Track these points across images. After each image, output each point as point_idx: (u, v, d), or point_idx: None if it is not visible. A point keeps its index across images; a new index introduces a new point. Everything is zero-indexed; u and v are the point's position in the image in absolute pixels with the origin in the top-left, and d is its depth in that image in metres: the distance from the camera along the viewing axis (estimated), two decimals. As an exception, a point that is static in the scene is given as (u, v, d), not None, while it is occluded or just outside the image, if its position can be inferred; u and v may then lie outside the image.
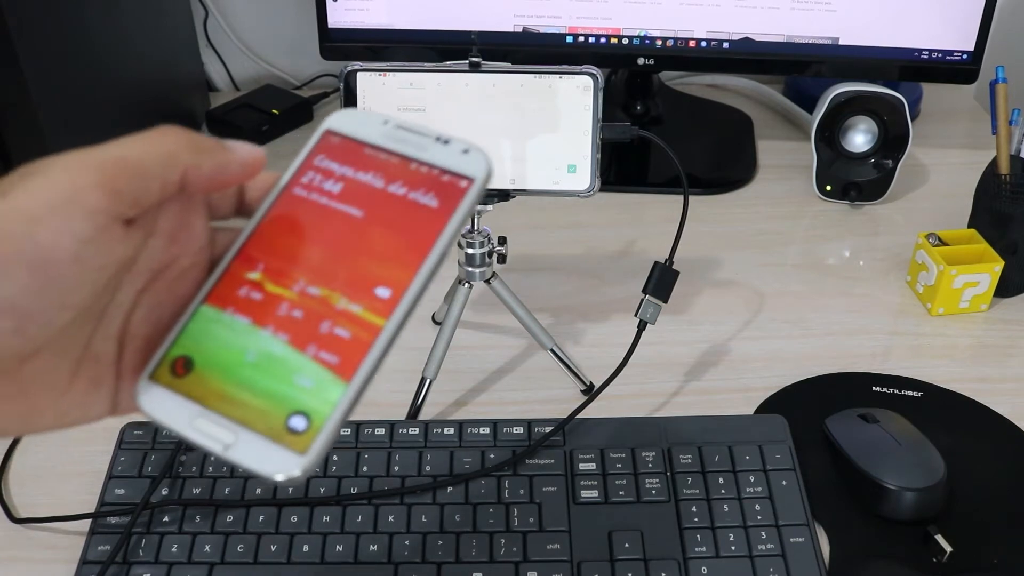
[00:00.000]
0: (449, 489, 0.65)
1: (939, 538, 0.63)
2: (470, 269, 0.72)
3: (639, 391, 0.76)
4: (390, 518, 0.64)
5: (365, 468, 0.67)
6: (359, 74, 0.66)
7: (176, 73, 1.10)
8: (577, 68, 0.65)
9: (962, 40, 0.95)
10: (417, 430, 0.69)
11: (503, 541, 0.62)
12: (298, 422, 0.33)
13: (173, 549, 0.62)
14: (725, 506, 0.64)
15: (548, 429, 0.69)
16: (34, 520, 0.66)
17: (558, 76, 0.65)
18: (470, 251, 0.71)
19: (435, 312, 0.83)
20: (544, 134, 0.67)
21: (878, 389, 0.76)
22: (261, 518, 0.64)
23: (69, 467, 0.70)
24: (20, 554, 0.64)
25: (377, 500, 0.65)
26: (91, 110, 0.88)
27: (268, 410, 0.34)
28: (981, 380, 0.78)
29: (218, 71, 1.22)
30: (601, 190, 0.68)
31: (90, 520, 0.64)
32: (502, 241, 0.72)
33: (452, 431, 0.69)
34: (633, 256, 0.92)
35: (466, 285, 0.72)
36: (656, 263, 0.70)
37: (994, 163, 0.85)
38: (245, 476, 0.66)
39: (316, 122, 1.13)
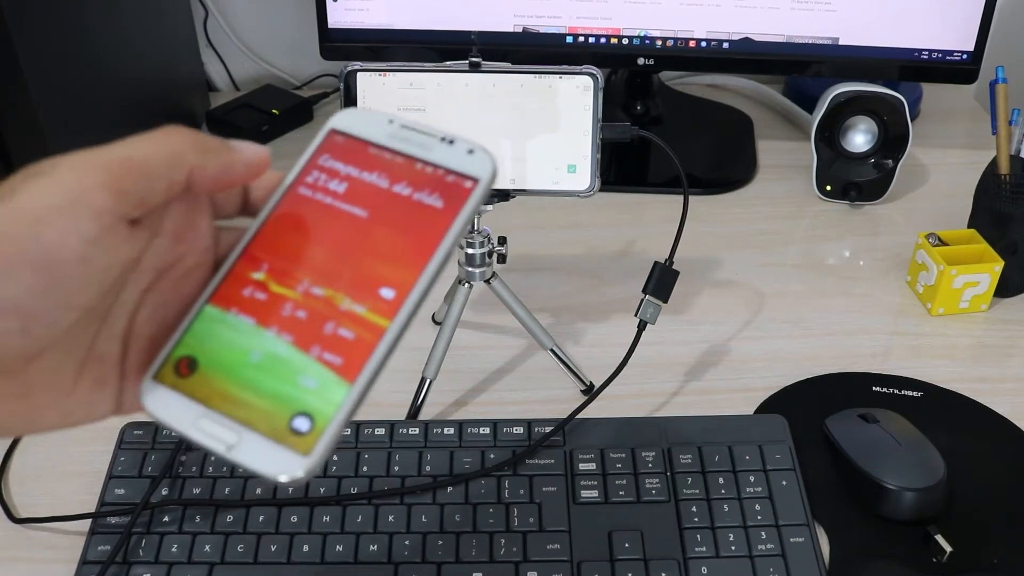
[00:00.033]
0: (449, 489, 0.65)
1: (939, 538, 0.63)
2: (470, 269, 0.72)
3: (639, 391, 0.76)
4: (390, 518, 0.64)
5: (365, 468, 0.67)
6: (359, 74, 0.66)
7: (176, 73, 1.10)
8: (577, 68, 0.65)
9: (962, 40, 0.95)
10: (417, 430, 0.69)
11: (503, 541, 0.62)
12: (301, 423, 0.33)
13: (173, 549, 0.62)
14: (725, 506, 0.64)
15: (548, 429, 0.69)
16: (34, 520, 0.65)
17: (558, 76, 0.65)
18: (470, 251, 0.71)
19: (435, 312, 0.83)
20: (544, 134, 0.67)
21: (878, 389, 0.76)
22: (261, 518, 0.64)
23: (69, 467, 0.70)
24: (20, 554, 0.64)
25: (377, 500, 0.65)
26: (91, 110, 0.88)
27: (272, 411, 0.34)
28: (981, 380, 0.78)
29: (218, 71, 1.22)
30: (601, 190, 0.68)
31: (90, 520, 0.64)
32: (502, 241, 0.72)
33: (452, 431, 0.69)
34: (633, 256, 0.93)
35: (466, 285, 0.72)
36: (656, 263, 0.70)
37: (994, 163, 0.85)
38: (245, 476, 0.66)
39: (316, 122, 1.14)
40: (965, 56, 0.96)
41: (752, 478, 0.66)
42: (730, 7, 0.96)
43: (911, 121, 0.95)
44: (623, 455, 0.67)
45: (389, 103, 0.66)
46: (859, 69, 0.97)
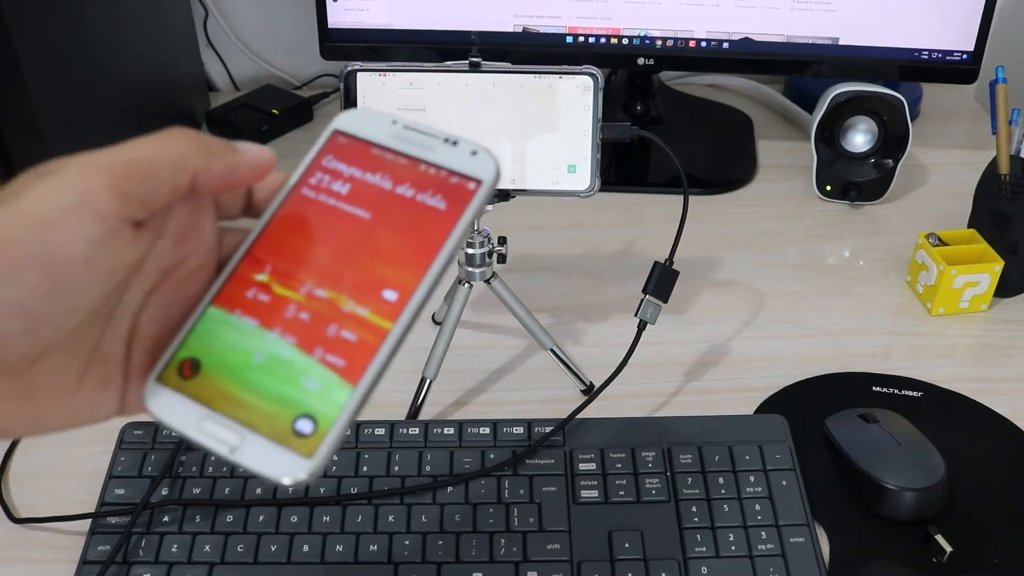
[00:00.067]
0: (449, 489, 0.65)
1: (939, 538, 0.63)
2: (470, 269, 0.72)
3: (639, 391, 0.76)
4: (390, 518, 0.64)
5: (365, 468, 0.67)
6: (359, 74, 0.66)
7: (176, 73, 1.10)
8: (577, 68, 0.65)
9: (962, 40, 0.95)
10: (417, 430, 0.69)
11: (503, 541, 0.62)
12: (304, 425, 0.33)
13: (173, 549, 0.62)
14: (725, 506, 0.65)
15: (548, 429, 0.69)
16: (34, 520, 0.65)
17: (558, 76, 0.65)
18: (470, 251, 0.71)
19: (435, 312, 0.83)
20: (544, 134, 0.67)
21: (878, 389, 0.77)
22: (261, 518, 0.64)
23: (69, 467, 0.70)
24: (20, 554, 0.64)
25: (377, 500, 0.65)
26: (91, 110, 0.88)
27: (275, 413, 0.34)
28: (981, 380, 0.78)
29: (218, 71, 1.22)
30: (601, 190, 0.68)
31: (90, 520, 0.64)
32: (502, 241, 0.72)
33: (452, 431, 0.69)
34: (633, 256, 0.93)
35: (466, 285, 0.72)
36: (656, 263, 0.71)
37: (994, 163, 0.86)
38: (245, 476, 0.66)
39: (316, 122, 1.14)
40: (965, 56, 0.96)
41: (752, 478, 0.66)
42: (730, 7, 0.96)
43: (911, 121, 0.95)
44: (623, 455, 0.68)
45: (389, 103, 0.66)
46: (859, 69, 0.98)
